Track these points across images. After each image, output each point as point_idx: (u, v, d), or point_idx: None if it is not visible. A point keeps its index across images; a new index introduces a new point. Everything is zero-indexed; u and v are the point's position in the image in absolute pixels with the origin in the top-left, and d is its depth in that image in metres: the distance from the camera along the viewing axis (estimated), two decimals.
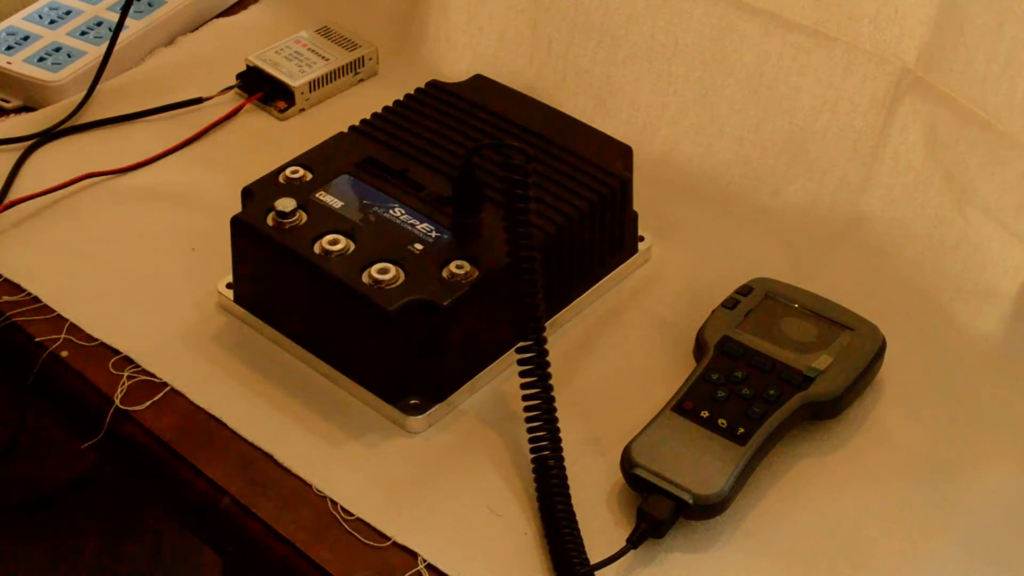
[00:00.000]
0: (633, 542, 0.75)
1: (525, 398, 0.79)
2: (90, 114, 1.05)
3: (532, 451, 0.79)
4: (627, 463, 0.78)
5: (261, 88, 1.07)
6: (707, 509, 0.76)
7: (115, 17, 1.10)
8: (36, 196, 0.96)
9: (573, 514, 0.77)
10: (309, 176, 0.88)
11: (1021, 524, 0.79)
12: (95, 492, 1.31)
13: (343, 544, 0.77)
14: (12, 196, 0.97)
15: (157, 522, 1.31)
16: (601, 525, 0.77)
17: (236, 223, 0.86)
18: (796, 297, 0.87)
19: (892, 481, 0.81)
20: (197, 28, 1.15)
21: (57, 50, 1.09)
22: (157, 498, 0.87)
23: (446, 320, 0.80)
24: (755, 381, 0.81)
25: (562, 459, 0.78)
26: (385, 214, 0.86)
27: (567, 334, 0.89)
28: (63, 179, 0.98)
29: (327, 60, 1.08)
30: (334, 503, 0.79)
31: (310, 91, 1.07)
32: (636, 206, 0.93)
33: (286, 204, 0.84)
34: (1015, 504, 0.80)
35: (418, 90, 0.96)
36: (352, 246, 0.83)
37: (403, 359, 0.82)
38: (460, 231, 0.85)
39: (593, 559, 0.75)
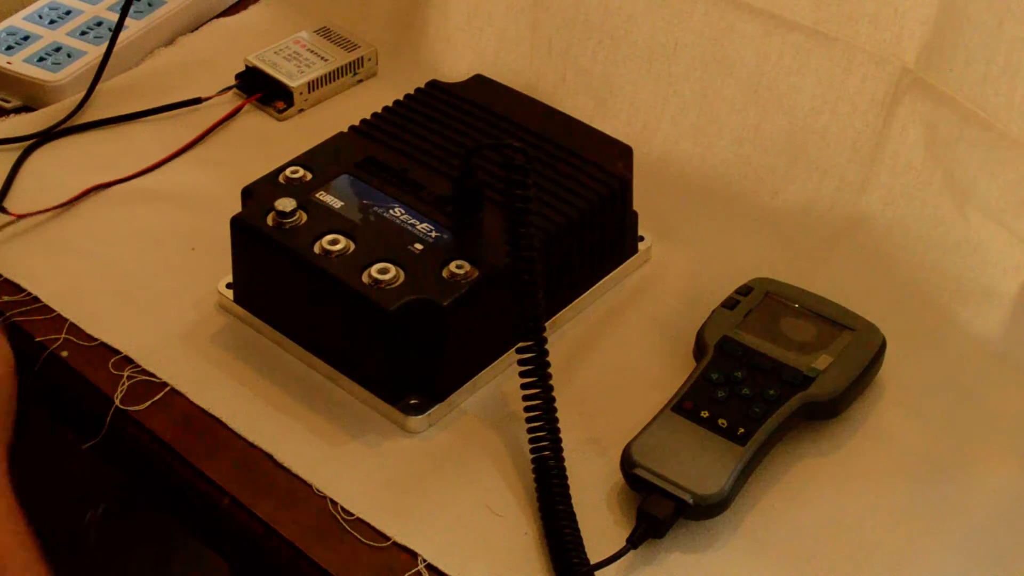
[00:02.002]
0: (633, 542, 0.75)
1: (525, 398, 0.79)
2: (90, 114, 1.05)
3: (532, 451, 0.79)
4: (627, 463, 0.78)
5: (260, 88, 1.07)
6: (707, 509, 0.76)
7: (115, 17, 1.10)
8: (45, 211, 0.96)
9: (573, 514, 0.77)
10: (309, 176, 0.88)
11: (1021, 524, 0.79)
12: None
13: (343, 544, 0.77)
14: (12, 196, 0.97)
15: (168, 535, 1.30)
16: (601, 525, 0.77)
17: (236, 223, 0.86)
18: (796, 297, 0.87)
19: (892, 481, 0.81)
20: (197, 28, 1.15)
21: (57, 50, 1.09)
22: (157, 499, 0.87)
23: (446, 320, 0.80)
24: (755, 381, 0.81)
25: (562, 459, 0.78)
26: (385, 214, 0.86)
27: (567, 334, 0.89)
28: (63, 179, 0.98)
29: (326, 61, 1.08)
30: (334, 503, 0.79)
31: (309, 92, 1.07)
32: (636, 206, 0.93)
33: (286, 204, 0.84)
34: (1015, 504, 0.80)
35: (418, 90, 0.96)
36: (352, 246, 0.83)
37: (403, 359, 0.82)
38: (460, 231, 0.85)
39: (593, 559, 0.75)
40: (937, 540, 0.77)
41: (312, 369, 0.86)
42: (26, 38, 1.09)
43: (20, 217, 0.95)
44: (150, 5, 1.13)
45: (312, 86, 1.07)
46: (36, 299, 0.90)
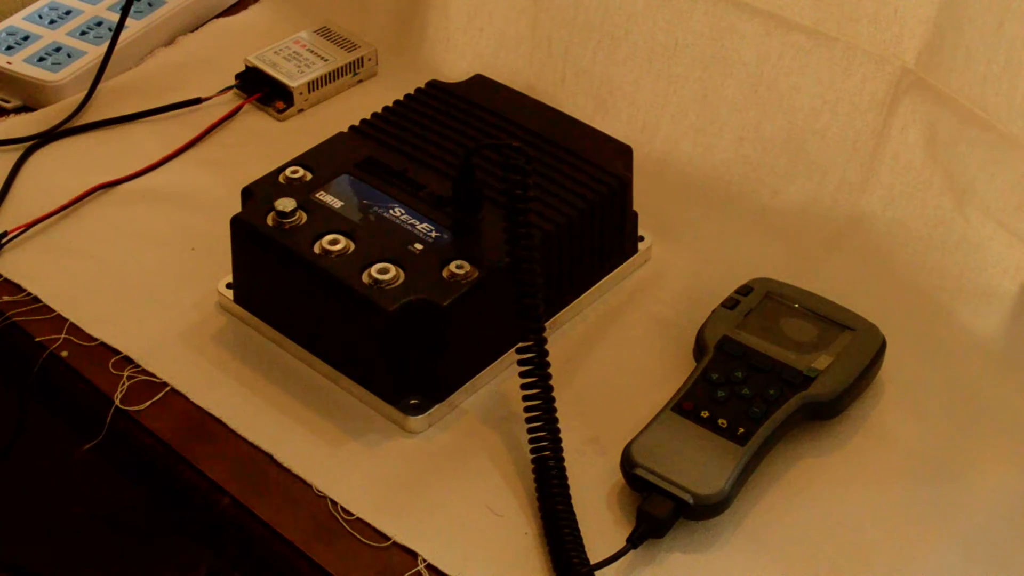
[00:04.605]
0: (633, 542, 0.75)
1: (525, 398, 0.79)
2: (90, 114, 1.05)
3: (532, 451, 0.79)
4: (627, 463, 0.78)
5: (260, 88, 1.07)
6: (707, 509, 0.76)
7: (115, 17, 1.10)
8: (52, 215, 0.95)
9: (573, 514, 0.77)
10: (309, 176, 0.88)
11: (1021, 524, 0.79)
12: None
13: (343, 544, 0.77)
14: (12, 197, 0.97)
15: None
16: (601, 525, 0.77)
17: (236, 223, 0.86)
18: (796, 297, 0.87)
19: (892, 481, 0.81)
20: (197, 28, 1.15)
21: (57, 50, 1.09)
22: (158, 499, 0.87)
23: (446, 320, 0.80)
24: (755, 381, 0.81)
25: (562, 459, 0.78)
26: (385, 214, 0.86)
27: (567, 334, 0.89)
28: (63, 180, 0.98)
29: (326, 61, 1.08)
30: (334, 503, 0.79)
31: (309, 92, 1.07)
32: (636, 206, 0.93)
33: (286, 204, 0.84)
34: (1015, 504, 0.80)
35: (418, 90, 0.96)
36: (352, 246, 0.83)
37: (403, 359, 0.82)
38: (460, 231, 0.85)
39: (593, 559, 0.75)
40: (937, 540, 0.77)
41: (312, 369, 0.86)
42: (26, 38, 1.09)
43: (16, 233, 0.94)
44: (150, 5, 1.13)
45: (312, 86, 1.07)
46: (36, 299, 0.90)
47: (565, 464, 0.78)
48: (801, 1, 0.95)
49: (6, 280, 0.91)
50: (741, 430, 0.78)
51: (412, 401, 0.83)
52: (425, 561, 0.76)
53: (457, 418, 0.84)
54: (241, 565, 0.81)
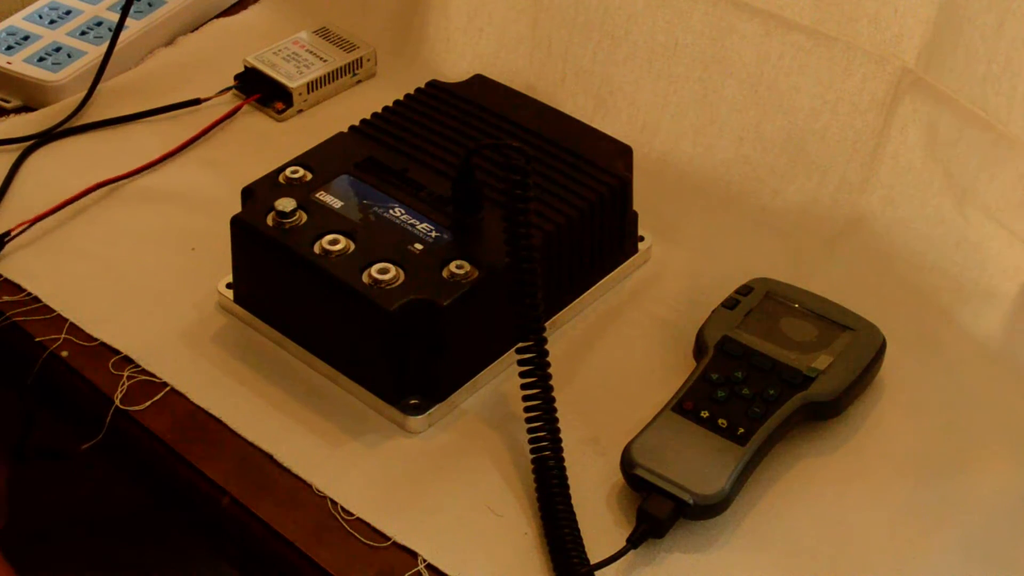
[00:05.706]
0: (633, 542, 0.75)
1: (525, 398, 0.79)
2: (90, 114, 1.05)
3: (532, 451, 0.79)
4: (627, 463, 0.78)
5: (259, 89, 1.07)
6: (707, 509, 0.76)
7: (115, 17, 1.10)
8: (53, 211, 0.95)
9: (573, 514, 0.77)
10: (309, 176, 0.88)
11: (1020, 524, 0.79)
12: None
13: (343, 544, 0.77)
14: (12, 197, 0.97)
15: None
16: (601, 525, 0.77)
17: (236, 223, 0.86)
18: (796, 297, 0.87)
19: (892, 481, 0.81)
20: (197, 28, 1.15)
21: (57, 50, 1.09)
22: (158, 499, 0.87)
23: (446, 320, 0.80)
24: (755, 381, 0.81)
25: (562, 459, 0.78)
26: (385, 214, 0.86)
27: (567, 334, 0.89)
28: (63, 180, 0.98)
29: (325, 61, 1.08)
30: (334, 503, 0.79)
31: (308, 92, 1.07)
32: (636, 206, 0.93)
33: (286, 204, 0.84)
34: (1014, 504, 0.80)
35: (418, 90, 0.96)
36: (352, 246, 0.83)
37: (403, 359, 0.82)
38: (460, 231, 0.85)
39: (593, 559, 0.75)
40: (937, 540, 0.77)
41: (312, 369, 0.86)
42: (26, 38, 1.09)
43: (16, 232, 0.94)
44: (150, 5, 1.13)
45: (311, 87, 1.07)
46: (36, 299, 0.90)
47: (565, 464, 0.78)
48: (801, 1, 0.95)
49: (6, 280, 0.91)
50: (741, 430, 0.78)
51: (412, 401, 0.83)
52: (425, 561, 0.76)
53: (457, 418, 0.84)
54: (241, 565, 0.81)
